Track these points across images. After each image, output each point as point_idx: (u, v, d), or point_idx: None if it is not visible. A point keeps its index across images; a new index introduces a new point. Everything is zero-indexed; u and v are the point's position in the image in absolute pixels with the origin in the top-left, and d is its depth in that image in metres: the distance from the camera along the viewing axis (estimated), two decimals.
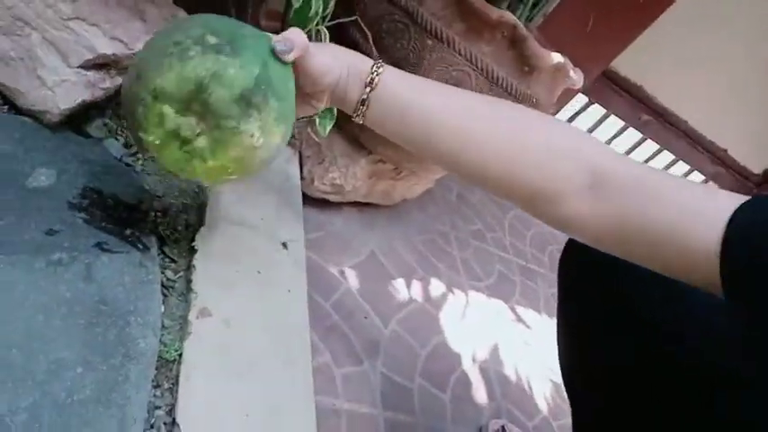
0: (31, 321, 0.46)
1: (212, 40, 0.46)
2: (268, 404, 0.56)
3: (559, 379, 0.71)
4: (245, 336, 0.60)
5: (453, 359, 1.08)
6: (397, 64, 0.80)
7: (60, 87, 0.60)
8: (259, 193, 0.76)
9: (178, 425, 0.50)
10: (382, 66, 0.54)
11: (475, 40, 0.95)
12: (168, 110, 0.46)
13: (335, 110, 0.78)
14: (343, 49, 0.56)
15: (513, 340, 1.25)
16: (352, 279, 1.04)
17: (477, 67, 0.94)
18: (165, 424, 0.51)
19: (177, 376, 0.54)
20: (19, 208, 0.52)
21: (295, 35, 0.50)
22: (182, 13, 0.69)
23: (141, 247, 0.58)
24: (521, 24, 0.94)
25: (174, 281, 0.62)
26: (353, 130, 1.05)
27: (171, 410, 0.52)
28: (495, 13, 0.93)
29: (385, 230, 1.20)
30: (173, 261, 0.63)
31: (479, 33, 0.95)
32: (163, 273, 0.61)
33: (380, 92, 0.54)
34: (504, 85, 0.95)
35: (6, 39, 0.59)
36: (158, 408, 0.52)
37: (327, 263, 1.03)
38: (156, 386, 0.53)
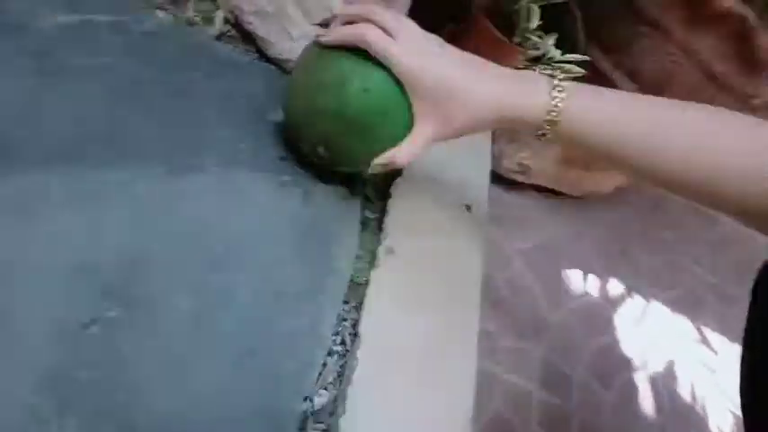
0: (262, 222, 0.57)
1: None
2: (435, 340, 0.61)
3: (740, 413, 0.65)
4: (423, 276, 0.65)
5: (622, 361, 1.04)
6: (607, 49, 0.79)
7: (302, 40, 0.70)
8: (452, 158, 0.81)
9: (359, 336, 0.57)
10: (562, 90, 0.52)
11: (695, 30, 0.89)
12: None
13: None
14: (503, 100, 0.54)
15: (691, 360, 1.16)
16: (528, 260, 1.06)
17: (693, 60, 0.88)
18: (349, 334, 0.58)
19: (363, 297, 0.61)
20: (262, 135, 0.64)
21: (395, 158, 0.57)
22: None
23: (347, 183, 0.66)
24: (753, 16, 0.86)
25: (371, 219, 0.70)
26: None
27: (355, 324, 0.59)
28: (726, 1, 0.86)
29: (569, 220, 1.19)
30: (371, 202, 0.71)
31: (701, 23, 0.89)
32: (363, 211, 0.69)
33: (562, 129, 0.52)
34: (722, 83, 0.87)
35: None
36: (345, 320, 0.59)
37: (505, 240, 1.06)
38: (346, 302, 0.61)
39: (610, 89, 0.54)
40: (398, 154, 0.56)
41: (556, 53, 0.78)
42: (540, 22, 0.84)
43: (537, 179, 1.12)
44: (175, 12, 0.71)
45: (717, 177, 0.49)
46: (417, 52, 0.53)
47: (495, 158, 1.07)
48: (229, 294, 0.51)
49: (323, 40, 0.56)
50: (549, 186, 1.17)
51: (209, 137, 0.59)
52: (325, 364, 0.55)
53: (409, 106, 0.55)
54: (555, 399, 0.90)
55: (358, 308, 0.60)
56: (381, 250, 0.65)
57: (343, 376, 0.55)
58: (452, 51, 0.56)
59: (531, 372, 0.91)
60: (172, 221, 0.51)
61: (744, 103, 0.91)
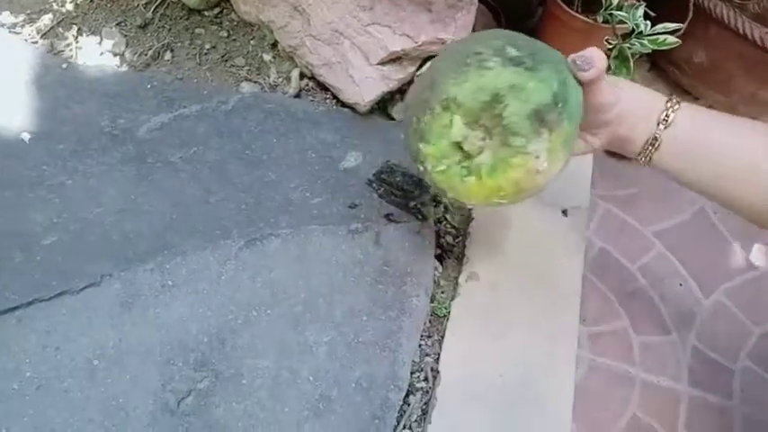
0: (333, 277, 0.61)
1: (513, 52, 0.44)
2: (522, 369, 0.60)
3: None
4: (509, 300, 0.64)
5: None
6: None
7: (365, 83, 0.72)
8: None
9: (439, 372, 0.59)
10: (679, 103, 0.48)
11: None
12: (458, 120, 0.45)
13: (632, 63, 0.72)
14: (636, 84, 0.51)
15: None
16: (669, 240, 0.95)
17: None
18: (431, 369, 0.60)
19: (445, 330, 0.63)
20: (333, 186, 0.68)
21: (594, 53, 0.45)
22: None
23: (421, 217, 0.67)
24: None
25: (453, 245, 0.70)
26: (674, 72, 0.93)
27: (437, 359, 0.61)
28: None
29: None
30: (453, 227, 0.71)
31: None
32: (444, 238, 0.70)
33: (676, 130, 0.48)
34: None
35: (329, 47, 0.74)
36: (428, 355, 0.62)
37: (638, 222, 0.96)
38: (428, 336, 0.63)
39: (718, 117, 0.50)
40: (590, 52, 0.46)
41: (645, 26, 0.69)
42: None
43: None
44: (258, 79, 0.79)
45: None
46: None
47: None
48: (306, 350, 0.57)
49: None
50: None
51: (282, 200, 0.65)
52: (408, 404, 0.58)
53: None
54: (710, 396, 0.81)
55: (440, 341, 0.62)
56: (462, 277, 0.66)
57: (427, 413, 0.58)
58: None
59: (679, 368, 0.83)
60: (252, 291, 0.58)
61: None
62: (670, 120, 0.48)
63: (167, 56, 0.78)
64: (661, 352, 0.84)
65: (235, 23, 0.83)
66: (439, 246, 0.69)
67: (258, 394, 0.53)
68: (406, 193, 0.67)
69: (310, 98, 0.79)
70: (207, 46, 0.80)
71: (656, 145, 0.49)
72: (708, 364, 0.84)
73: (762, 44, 0.78)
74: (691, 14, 0.76)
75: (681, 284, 0.91)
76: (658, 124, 0.48)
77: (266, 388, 0.54)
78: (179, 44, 0.79)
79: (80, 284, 0.55)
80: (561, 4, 0.78)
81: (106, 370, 0.52)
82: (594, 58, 0.45)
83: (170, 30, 0.80)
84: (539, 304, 0.65)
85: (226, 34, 0.82)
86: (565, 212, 0.72)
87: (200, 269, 0.58)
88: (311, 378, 0.55)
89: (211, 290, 0.57)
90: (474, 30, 0.76)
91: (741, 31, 0.78)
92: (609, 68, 0.52)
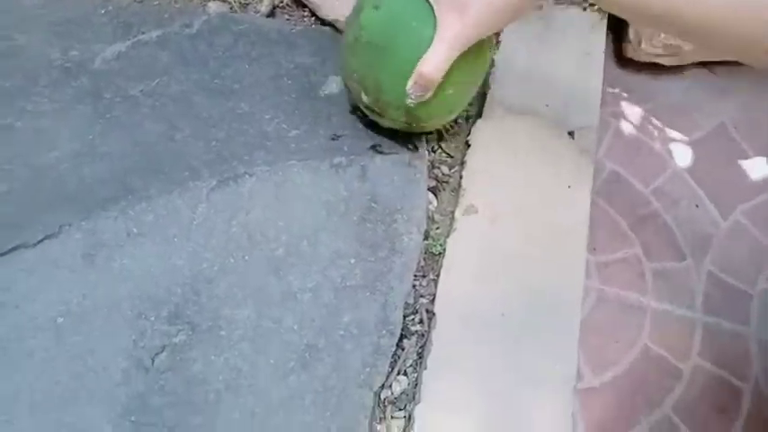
0: (317, 216, 0.56)
1: None
2: (525, 306, 0.55)
3: None
4: (509, 235, 0.59)
5: None
6: None
7: None
8: (549, 73, 0.69)
9: (435, 314, 0.55)
10: None
11: None
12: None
13: None
14: None
15: None
16: (686, 159, 0.88)
17: None
18: (426, 311, 0.56)
19: (441, 269, 0.58)
20: (313, 116, 0.61)
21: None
22: None
23: (411, 147, 0.61)
24: None
25: (449, 176, 0.64)
26: None
27: (433, 299, 0.56)
28: None
29: (747, 96, 0.95)
30: (449, 156, 0.65)
31: None
32: (438, 168, 0.64)
33: None
34: None
35: None
36: (422, 296, 0.57)
37: (654, 140, 0.89)
38: (423, 276, 0.58)
39: None
40: (424, 66, 0.49)
41: None
42: None
43: (692, 56, 0.91)
44: None
45: None
46: None
47: (632, 45, 0.89)
48: (290, 297, 0.52)
49: None
50: (718, 60, 0.94)
51: (257, 134, 0.59)
52: (402, 348, 0.54)
53: (433, 17, 0.48)
54: (726, 323, 0.77)
55: (436, 281, 0.57)
56: (459, 211, 0.60)
57: (422, 358, 0.54)
58: None
59: (693, 296, 0.79)
60: (227, 235, 0.53)
61: None
62: None
63: None
64: (675, 279, 0.80)
65: None
66: (433, 177, 0.63)
67: (239, 346, 0.49)
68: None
69: (286, 17, 0.71)
70: None
71: None
72: (724, 289, 0.80)
73: None
74: None
75: (697, 206, 0.85)
76: None
77: (248, 339, 0.50)
78: None
79: (37, 237, 0.50)
80: None
81: (72, 328, 0.47)
82: None
83: None
84: (543, 236, 0.59)
85: None
86: (571, 134, 0.65)
87: (168, 214, 0.53)
88: (296, 327, 0.51)
89: (182, 236, 0.52)
90: None
91: None
92: None
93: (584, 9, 0.75)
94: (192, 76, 0.62)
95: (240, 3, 0.70)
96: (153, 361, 0.47)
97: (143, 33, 0.64)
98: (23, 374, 0.46)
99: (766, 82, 0.97)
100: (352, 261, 0.55)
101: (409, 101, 0.51)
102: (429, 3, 0.48)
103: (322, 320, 0.52)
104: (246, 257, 0.53)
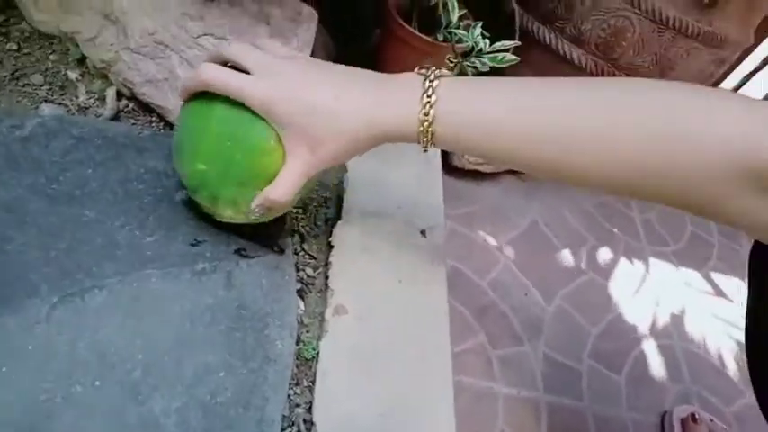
0: (179, 329, 0.51)
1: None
2: (402, 402, 0.56)
3: None
4: (380, 332, 0.60)
5: (630, 337, 0.98)
6: (545, 18, 0.74)
7: None
8: (396, 179, 0.75)
9: (314, 424, 0.52)
10: (430, 112, 0.45)
11: None
12: None
13: None
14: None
15: (703, 312, 1.09)
16: (511, 253, 0.99)
17: (640, 10, 0.79)
18: (304, 421, 0.53)
19: (315, 374, 0.56)
20: (169, 222, 0.58)
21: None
22: (305, 10, 0.69)
23: (277, 249, 0.60)
24: None
25: (314, 277, 0.64)
26: None
27: (310, 408, 0.54)
28: None
29: (550, 197, 1.12)
30: (312, 258, 0.65)
31: None
32: (303, 270, 0.64)
33: (440, 139, 0.47)
34: (677, 26, 0.79)
35: (153, 62, 0.64)
36: (298, 405, 0.54)
37: (483, 238, 0.99)
38: (296, 384, 0.56)
39: (497, 79, 0.47)
40: (272, 194, 0.50)
41: (484, 44, 0.71)
42: (464, 11, 0.77)
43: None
44: (63, 100, 0.66)
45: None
46: (268, 76, 0.47)
47: (457, 156, 1.00)
48: (152, 423, 0.46)
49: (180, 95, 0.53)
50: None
51: (106, 242, 0.53)
52: None
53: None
54: (564, 400, 0.85)
55: (311, 388, 0.55)
56: (329, 312, 0.60)
57: None
58: (319, 67, 0.50)
59: (534, 377, 0.86)
60: (72, 359, 0.46)
61: (706, 42, 0.83)
62: (431, 124, 0.46)
63: None
64: (517, 363, 0.86)
65: (27, 35, 0.69)
66: (299, 279, 0.62)
67: None
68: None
69: (132, 121, 0.68)
70: None
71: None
72: (558, 368, 0.88)
73: (580, 64, 0.85)
74: (517, 37, 0.80)
75: (526, 294, 0.95)
76: (422, 136, 0.47)
77: None
78: None
79: None
80: (400, 22, 0.77)
81: None
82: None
83: None
84: (409, 331, 0.61)
85: (15, 47, 0.67)
86: (423, 233, 0.70)
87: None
88: None
89: (14, 366, 0.44)
90: (314, 49, 0.71)
91: (561, 52, 0.84)
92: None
93: None
94: (24, 181, 0.55)
95: (79, 106, 0.66)
96: None
97: None
98: None
99: (563, 185, 1.15)
100: (222, 374, 0.51)
101: (252, 217, 0.53)
102: (264, 129, 0.49)
103: None
104: (97, 383, 0.46)
